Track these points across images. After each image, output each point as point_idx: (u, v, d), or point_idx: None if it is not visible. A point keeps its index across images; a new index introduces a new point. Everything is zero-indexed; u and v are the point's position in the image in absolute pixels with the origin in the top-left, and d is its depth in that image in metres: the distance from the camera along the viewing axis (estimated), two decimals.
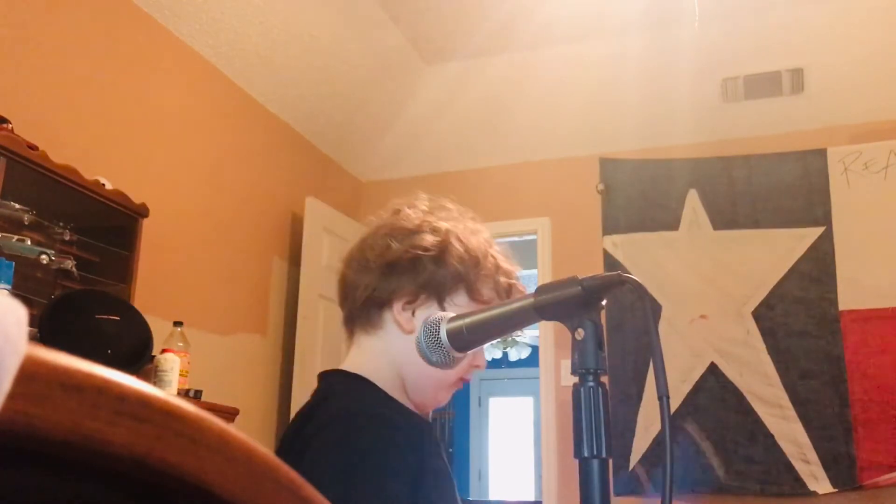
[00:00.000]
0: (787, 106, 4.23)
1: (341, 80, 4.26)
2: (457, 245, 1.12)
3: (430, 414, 1.19)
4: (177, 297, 3.38)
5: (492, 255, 1.15)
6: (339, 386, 1.10)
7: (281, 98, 4.19)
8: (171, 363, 2.86)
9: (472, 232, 1.16)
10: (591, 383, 0.80)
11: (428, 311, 1.09)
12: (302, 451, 0.96)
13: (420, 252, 1.10)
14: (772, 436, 3.88)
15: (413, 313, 1.11)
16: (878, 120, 4.16)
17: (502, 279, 1.15)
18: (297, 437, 1.01)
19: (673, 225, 4.27)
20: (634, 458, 4.01)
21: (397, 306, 1.11)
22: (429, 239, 1.11)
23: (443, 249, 1.11)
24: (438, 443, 1.11)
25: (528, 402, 8.72)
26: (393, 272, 1.11)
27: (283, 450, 1.03)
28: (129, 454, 0.29)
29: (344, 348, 1.21)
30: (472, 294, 1.12)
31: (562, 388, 4.32)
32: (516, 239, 4.87)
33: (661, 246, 4.25)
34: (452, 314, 0.93)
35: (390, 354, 1.12)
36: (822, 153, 4.14)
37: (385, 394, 1.08)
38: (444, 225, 1.14)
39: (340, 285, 1.19)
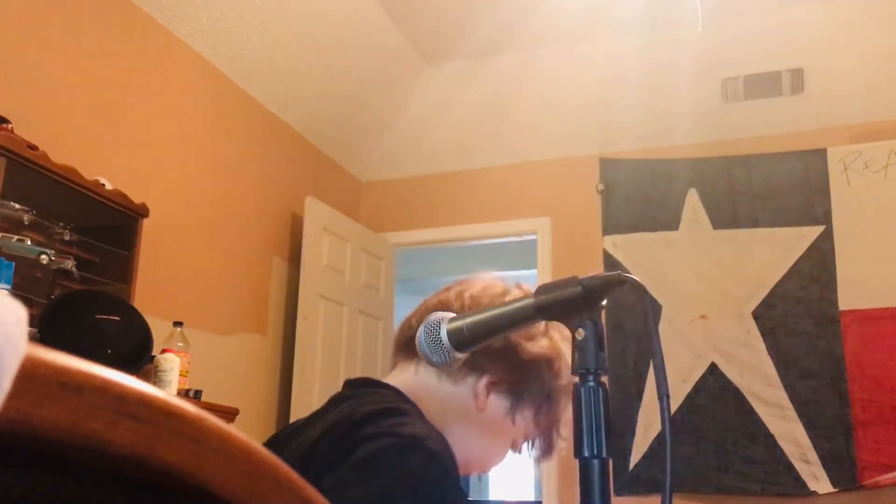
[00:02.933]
0: (787, 106, 4.23)
1: (341, 80, 4.26)
2: (564, 371, 1.12)
3: None
4: (177, 297, 3.38)
5: (568, 393, 1.17)
6: (397, 404, 1.03)
7: (281, 98, 4.18)
8: (171, 363, 2.86)
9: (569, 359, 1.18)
10: (592, 383, 0.80)
11: (501, 402, 1.09)
12: (347, 453, 0.90)
13: (540, 358, 1.11)
14: (772, 436, 3.88)
15: (489, 394, 1.10)
16: (878, 120, 4.16)
17: (559, 423, 1.14)
18: (342, 439, 0.93)
19: (673, 225, 4.27)
20: (634, 458, 4.01)
21: (485, 379, 1.09)
22: (547, 346, 1.12)
23: (553, 366, 1.12)
24: None
25: None
26: (507, 355, 1.10)
27: (321, 445, 0.95)
28: (130, 454, 0.29)
29: (381, 362, 1.18)
30: (538, 416, 1.11)
31: None
32: (516, 239, 4.87)
33: (661, 246, 4.25)
34: (453, 314, 0.93)
35: (448, 410, 1.08)
36: (822, 153, 4.14)
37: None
38: (560, 343, 1.14)
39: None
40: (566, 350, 1.14)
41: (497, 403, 1.09)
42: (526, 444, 1.14)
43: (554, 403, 1.12)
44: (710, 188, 4.26)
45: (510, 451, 1.14)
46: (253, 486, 0.34)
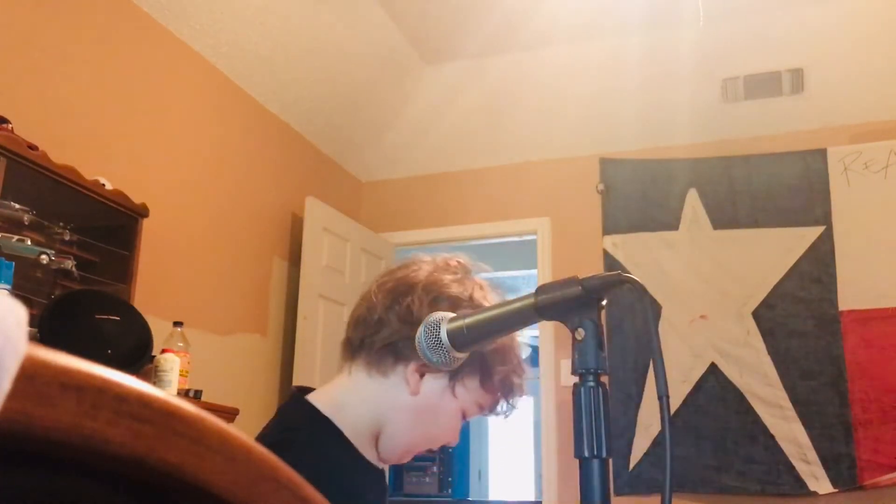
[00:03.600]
0: (787, 106, 4.23)
1: (341, 80, 4.26)
2: None
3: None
4: (177, 297, 3.38)
5: (516, 350, 1.16)
6: (302, 431, 1.09)
7: (281, 98, 4.18)
8: (171, 363, 2.86)
9: None
10: (592, 383, 0.80)
11: (438, 381, 1.11)
12: None
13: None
14: (772, 436, 3.88)
15: (422, 377, 1.11)
16: (878, 120, 4.16)
17: (514, 378, 1.15)
18: None
19: (673, 225, 4.27)
20: (634, 458, 4.01)
21: (413, 365, 1.11)
22: None
23: None
24: (384, 491, 1.16)
25: (528, 402, 8.72)
26: None
27: None
28: (130, 454, 0.29)
29: (336, 363, 1.21)
30: (484, 382, 1.12)
31: (562, 388, 4.32)
32: (516, 239, 4.87)
33: (661, 246, 4.25)
34: (453, 314, 0.93)
35: (380, 404, 1.12)
36: (822, 153, 4.14)
37: (342, 445, 1.09)
38: (487, 305, 1.12)
39: (364, 314, 1.15)
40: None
41: (433, 384, 1.11)
42: (486, 408, 1.16)
43: (498, 363, 1.12)
44: (710, 188, 4.26)
45: (463, 420, 1.16)
46: (253, 486, 0.34)
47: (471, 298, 1.12)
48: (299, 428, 1.10)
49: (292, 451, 1.03)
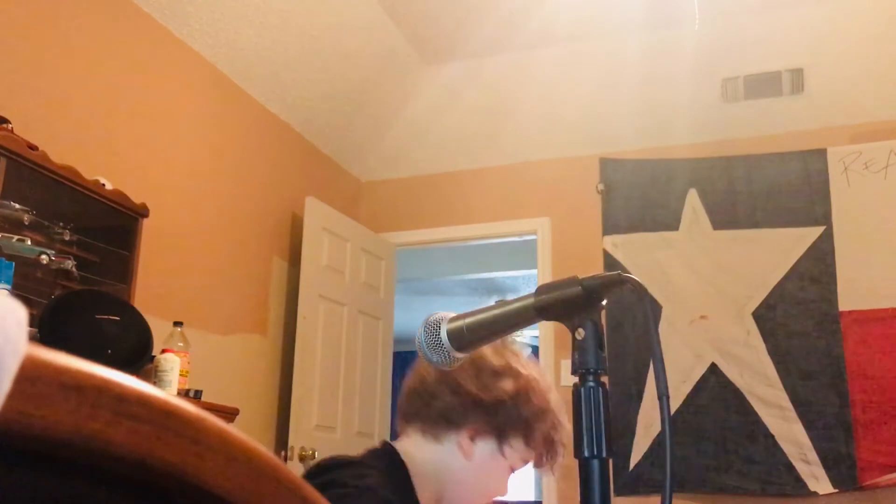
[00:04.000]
0: (787, 106, 4.23)
1: (341, 80, 4.26)
2: (532, 396, 1.23)
3: None
4: (177, 297, 3.38)
5: (554, 409, 1.27)
6: (369, 460, 1.19)
7: (281, 98, 4.18)
8: (171, 363, 2.86)
9: (540, 378, 1.27)
10: (592, 383, 0.80)
11: (487, 444, 1.22)
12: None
13: (504, 398, 1.21)
14: (772, 436, 3.88)
15: (474, 441, 1.22)
16: (878, 120, 4.16)
17: (553, 433, 1.25)
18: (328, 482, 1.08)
19: (673, 225, 4.27)
20: (634, 458, 4.01)
21: (465, 431, 1.21)
22: (511, 385, 1.22)
23: (521, 397, 1.22)
24: None
25: None
26: (475, 406, 1.21)
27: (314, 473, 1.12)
28: (130, 454, 0.29)
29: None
30: (528, 441, 1.23)
31: (562, 388, 4.31)
32: (516, 239, 4.87)
33: (661, 246, 4.24)
34: (453, 314, 0.93)
35: (439, 468, 1.22)
36: (822, 153, 4.13)
37: (409, 490, 1.19)
38: (524, 371, 1.25)
39: (418, 387, 1.26)
40: (529, 373, 1.25)
41: (483, 447, 1.22)
42: (531, 462, 1.27)
43: (538, 423, 1.23)
44: (710, 188, 4.26)
45: (512, 475, 1.27)
46: (253, 485, 0.34)
47: (508, 366, 1.24)
48: (376, 461, 1.20)
49: (367, 468, 1.13)
